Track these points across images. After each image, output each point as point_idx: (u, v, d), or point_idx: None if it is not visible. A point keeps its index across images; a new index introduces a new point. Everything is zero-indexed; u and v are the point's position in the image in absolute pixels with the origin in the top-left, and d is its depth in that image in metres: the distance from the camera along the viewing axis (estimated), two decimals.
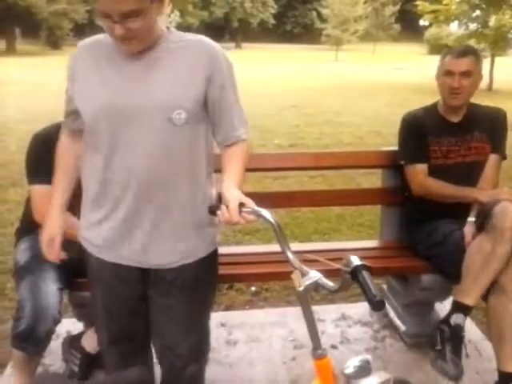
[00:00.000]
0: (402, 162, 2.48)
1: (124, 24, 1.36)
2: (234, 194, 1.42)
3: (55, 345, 2.25)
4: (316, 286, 1.31)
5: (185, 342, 1.71)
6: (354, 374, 1.38)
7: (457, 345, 2.19)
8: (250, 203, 1.41)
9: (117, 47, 1.48)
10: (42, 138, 2.10)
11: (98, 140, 1.52)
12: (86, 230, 1.66)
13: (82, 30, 41.53)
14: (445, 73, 2.38)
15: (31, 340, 1.85)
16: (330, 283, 1.31)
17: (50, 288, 1.95)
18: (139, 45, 1.45)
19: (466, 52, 2.36)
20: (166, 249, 1.59)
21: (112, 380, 1.53)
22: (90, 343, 2.20)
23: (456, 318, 2.15)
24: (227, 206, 1.39)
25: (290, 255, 1.36)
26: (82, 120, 1.55)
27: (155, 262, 1.61)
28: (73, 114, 1.62)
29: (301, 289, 1.31)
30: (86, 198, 1.63)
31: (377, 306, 1.17)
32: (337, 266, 1.29)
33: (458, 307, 2.16)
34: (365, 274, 1.21)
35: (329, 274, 1.33)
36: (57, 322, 1.90)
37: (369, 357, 1.41)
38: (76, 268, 2.06)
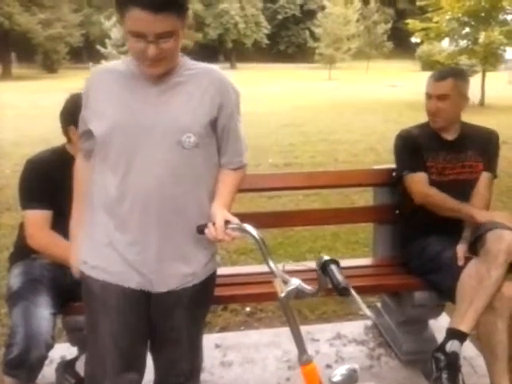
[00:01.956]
0: (404, 173, 2.45)
1: (157, 44, 1.44)
2: (219, 213, 1.55)
3: (49, 370, 2.23)
4: (297, 292, 1.38)
5: (187, 360, 1.74)
6: (342, 382, 1.40)
7: (453, 373, 2.06)
8: (235, 220, 1.53)
9: (132, 71, 1.55)
10: (36, 164, 2.12)
11: (109, 159, 1.56)
12: (89, 252, 1.64)
13: (78, 53, 41.91)
14: (425, 95, 2.44)
15: (23, 367, 1.84)
16: (309, 287, 1.39)
17: (43, 313, 1.94)
18: (165, 67, 1.52)
19: (446, 75, 2.37)
20: (171, 272, 1.61)
21: None
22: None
23: (451, 346, 2.04)
24: (214, 224, 1.51)
25: (271, 265, 1.45)
26: (93, 140, 1.60)
27: (160, 285, 1.61)
28: (84, 134, 1.68)
29: (282, 295, 1.38)
30: (92, 218, 1.63)
31: (341, 292, 1.29)
32: (312, 266, 1.39)
33: (454, 334, 2.06)
34: (332, 266, 1.33)
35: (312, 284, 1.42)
36: (49, 347, 1.90)
37: (356, 365, 1.45)
38: (70, 292, 2.07)
